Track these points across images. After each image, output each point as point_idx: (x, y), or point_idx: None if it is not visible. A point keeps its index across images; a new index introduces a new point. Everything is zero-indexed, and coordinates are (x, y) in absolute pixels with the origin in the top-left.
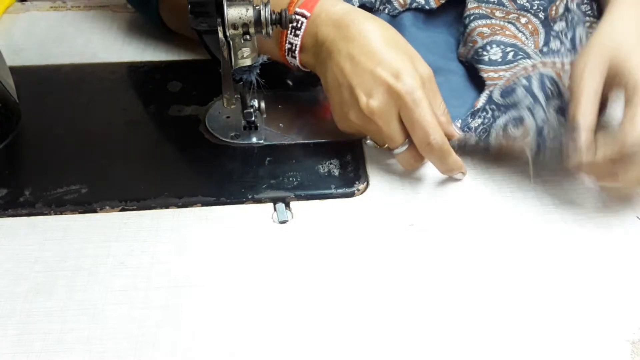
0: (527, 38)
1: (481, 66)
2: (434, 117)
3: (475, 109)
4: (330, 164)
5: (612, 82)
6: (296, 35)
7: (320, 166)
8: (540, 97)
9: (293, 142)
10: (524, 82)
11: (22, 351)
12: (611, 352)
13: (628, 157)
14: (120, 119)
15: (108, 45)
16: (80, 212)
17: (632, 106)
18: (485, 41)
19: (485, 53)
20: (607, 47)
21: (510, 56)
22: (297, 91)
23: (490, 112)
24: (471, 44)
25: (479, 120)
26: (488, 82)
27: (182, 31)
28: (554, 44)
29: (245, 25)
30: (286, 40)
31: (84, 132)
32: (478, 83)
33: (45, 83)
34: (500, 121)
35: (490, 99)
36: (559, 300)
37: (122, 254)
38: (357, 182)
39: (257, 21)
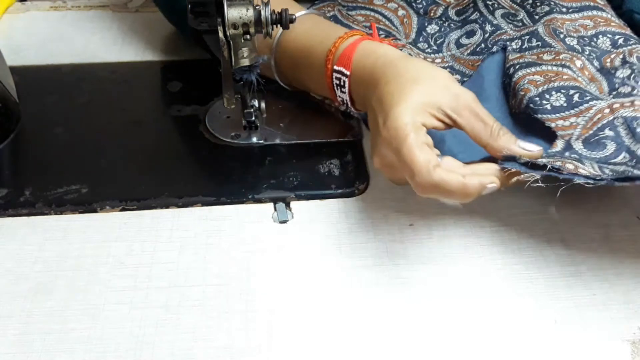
0: (587, 84)
1: (544, 115)
2: (423, 154)
3: (554, 150)
4: (330, 164)
5: None
6: (343, 92)
7: (320, 166)
8: (635, 146)
9: (293, 142)
10: (609, 132)
11: (22, 351)
12: (611, 352)
13: None
14: (120, 119)
15: (108, 45)
16: (80, 212)
17: None
18: (540, 89)
19: (545, 101)
20: None
21: (576, 98)
22: (297, 91)
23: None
24: (522, 93)
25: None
26: (560, 133)
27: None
28: (624, 89)
29: (245, 25)
30: (336, 94)
31: (84, 132)
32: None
33: (45, 83)
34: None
35: (569, 146)
36: (559, 300)
37: (122, 254)
38: (357, 182)
39: (258, 21)
